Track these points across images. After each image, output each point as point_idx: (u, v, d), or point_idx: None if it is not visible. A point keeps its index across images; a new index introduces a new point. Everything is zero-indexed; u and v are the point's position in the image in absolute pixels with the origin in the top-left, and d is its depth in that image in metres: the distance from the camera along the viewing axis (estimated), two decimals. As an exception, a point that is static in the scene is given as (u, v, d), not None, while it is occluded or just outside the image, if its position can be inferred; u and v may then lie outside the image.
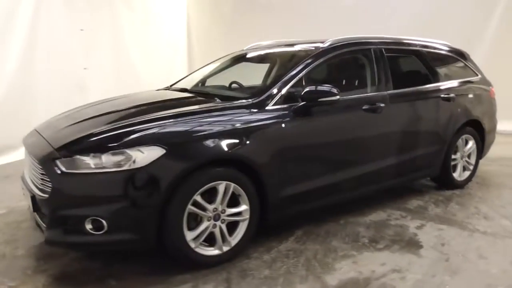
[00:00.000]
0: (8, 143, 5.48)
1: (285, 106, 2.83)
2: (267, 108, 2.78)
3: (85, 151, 2.36)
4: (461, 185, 4.18)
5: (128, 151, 2.32)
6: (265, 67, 3.89)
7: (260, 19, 8.52)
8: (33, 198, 2.53)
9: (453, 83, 4.05)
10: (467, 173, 4.25)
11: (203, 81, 3.92)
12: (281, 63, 3.57)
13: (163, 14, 8.54)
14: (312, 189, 2.99)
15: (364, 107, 3.21)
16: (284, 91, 2.87)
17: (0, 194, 4.09)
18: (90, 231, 2.35)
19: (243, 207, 2.66)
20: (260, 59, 3.96)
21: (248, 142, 2.63)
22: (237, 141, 2.60)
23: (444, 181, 4.10)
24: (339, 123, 3.11)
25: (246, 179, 2.64)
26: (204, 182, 2.48)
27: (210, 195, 2.54)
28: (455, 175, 4.12)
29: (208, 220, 2.55)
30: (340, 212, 3.47)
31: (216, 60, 4.12)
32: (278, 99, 2.83)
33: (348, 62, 3.47)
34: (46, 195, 2.40)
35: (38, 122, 5.75)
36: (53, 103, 5.98)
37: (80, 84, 6.42)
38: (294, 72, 2.98)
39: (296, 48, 3.58)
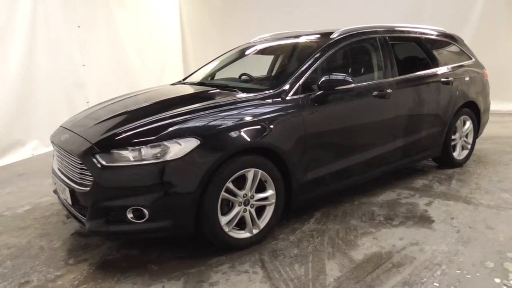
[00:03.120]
0: (11, 142, 5.54)
1: (303, 95, 3.00)
2: (287, 98, 2.94)
3: (124, 145, 2.49)
4: (460, 163, 4.44)
5: (166, 143, 2.46)
6: (274, 58, 4.04)
7: (253, 13, 8.63)
8: (72, 192, 2.65)
9: (450, 67, 4.27)
10: (465, 152, 4.50)
11: (213, 75, 4.06)
12: (292, 54, 3.72)
13: (156, 10, 8.58)
14: (331, 173, 3.19)
15: (374, 94, 3.40)
16: (301, 81, 3.03)
17: (20, 191, 4.18)
18: (132, 220, 2.50)
19: (270, 192, 2.84)
20: (269, 51, 4.11)
21: (273, 130, 2.79)
22: (263, 130, 2.76)
23: (445, 161, 4.34)
24: (352, 110, 3.29)
25: (272, 166, 2.81)
26: (235, 170, 2.64)
27: (239, 182, 2.70)
28: (455, 154, 4.37)
29: (239, 205, 2.72)
30: (353, 194, 3.68)
31: (225, 53, 4.24)
32: (296, 89, 3.00)
33: (356, 51, 3.64)
34: (87, 189, 2.53)
35: (38, 119, 5.88)
36: (53, 101, 6.07)
37: (79, 81, 6.49)
38: (309, 62, 3.14)
39: (304, 39, 3.74)
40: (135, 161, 2.46)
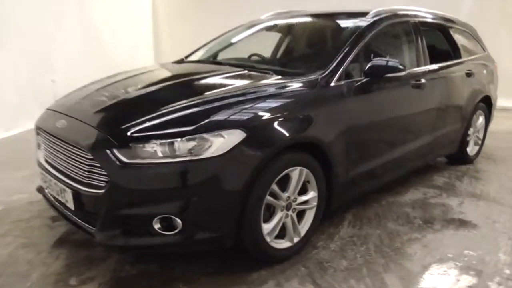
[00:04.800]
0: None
1: (347, 82, 2.60)
2: (331, 84, 2.53)
3: (151, 138, 1.97)
4: (472, 160, 4.26)
5: (206, 135, 1.97)
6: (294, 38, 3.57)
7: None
8: (76, 194, 2.10)
9: (471, 58, 4.04)
10: (476, 148, 4.33)
11: (216, 54, 3.55)
12: (322, 36, 3.29)
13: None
14: (371, 170, 2.85)
15: (412, 83, 3.07)
16: (344, 66, 2.63)
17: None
18: (160, 231, 2.00)
19: (312, 194, 2.44)
20: (287, 30, 3.63)
21: (318, 122, 2.38)
22: (310, 121, 2.34)
23: (458, 157, 4.13)
24: (393, 100, 2.96)
25: (316, 163, 2.40)
26: (281, 169, 2.21)
27: (280, 184, 2.27)
28: (468, 150, 4.17)
29: (281, 210, 2.29)
30: (377, 193, 3.35)
31: (232, 30, 3.73)
32: (340, 75, 2.59)
33: (390, 35, 3.28)
34: (100, 191, 1.99)
35: (6, 102, 5.04)
36: (21, 80, 5.27)
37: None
38: (350, 46, 2.73)
39: (332, 19, 3.33)
40: (164, 157, 1.95)
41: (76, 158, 2.11)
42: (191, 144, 1.95)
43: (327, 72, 2.55)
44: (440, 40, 3.84)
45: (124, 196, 1.98)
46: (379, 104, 2.82)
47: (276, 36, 3.56)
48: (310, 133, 2.34)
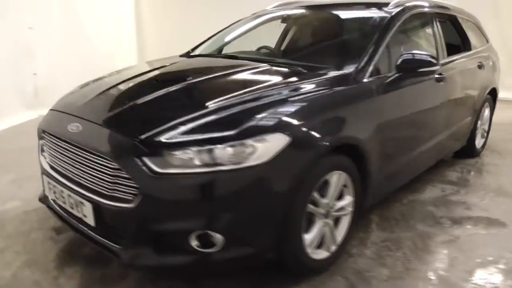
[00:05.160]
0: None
1: (379, 77, 2.44)
2: (364, 80, 2.36)
3: (186, 143, 1.74)
4: (479, 153, 4.21)
5: (251, 141, 1.75)
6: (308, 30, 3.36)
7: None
8: (97, 208, 1.85)
9: (479, 50, 3.96)
10: (482, 141, 4.29)
11: (222, 48, 3.31)
12: (342, 28, 3.09)
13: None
14: (399, 167, 2.72)
15: (436, 76, 2.94)
16: (375, 60, 2.46)
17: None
18: (197, 248, 1.78)
19: (348, 199, 2.27)
20: (299, 21, 3.40)
21: (356, 121, 2.21)
22: (349, 121, 2.16)
23: (467, 150, 4.06)
24: (421, 94, 2.82)
25: (353, 166, 2.23)
26: (322, 174, 2.03)
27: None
28: (476, 143, 4.12)
29: (320, 219, 2.11)
30: (396, 191, 3.22)
31: (239, 21, 3.49)
32: (372, 70, 2.42)
33: (411, 27, 3.12)
34: (129, 205, 1.75)
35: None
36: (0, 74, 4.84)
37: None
38: (377, 39, 2.56)
39: (348, 11, 3.14)
40: (203, 166, 1.72)
41: (97, 168, 1.85)
42: (234, 150, 1.73)
43: (360, 67, 2.38)
44: (451, 32, 3.73)
45: (157, 210, 1.75)
46: (409, 99, 2.68)
47: (290, 29, 3.33)
48: (350, 133, 2.16)
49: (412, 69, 2.49)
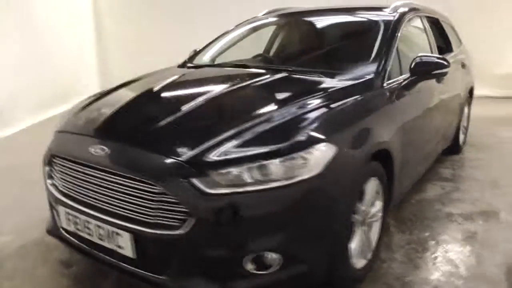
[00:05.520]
0: None
1: (394, 81, 2.46)
2: (384, 85, 2.36)
3: (236, 161, 1.64)
4: (461, 148, 4.38)
5: (303, 153, 1.67)
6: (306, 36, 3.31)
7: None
8: (138, 238, 1.69)
9: (459, 50, 4.13)
10: (463, 137, 4.46)
11: (217, 57, 3.21)
12: (345, 33, 3.09)
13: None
14: (413, 169, 2.74)
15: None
16: (390, 64, 2.47)
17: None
18: (253, 272, 1.67)
19: (379, 205, 2.25)
20: (302, 27, 3.35)
21: (385, 126, 2.20)
22: (381, 126, 2.15)
23: (451, 147, 4.20)
24: (428, 95, 2.88)
25: (383, 171, 2.22)
26: (363, 182, 1.99)
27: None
28: (460, 139, 4.28)
29: (358, 227, 2.07)
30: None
31: (234, 29, 3.39)
32: (388, 74, 2.43)
33: (409, 31, 3.18)
34: (177, 231, 1.61)
35: None
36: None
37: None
38: (389, 43, 2.58)
39: (346, 16, 3.16)
40: (255, 183, 1.62)
41: (134, 193, 1.69)
42: (286, 164, 1.65)
43: (379, 72, 2.38)
44: (437, 33, 3.86)
45: (209, 235, 1.62)
46: (419, 101, 2.73)
47: (290, 35, 3.27)
48: (382, 138, 2.14)
49: (427, 72, 2.53)
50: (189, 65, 3.08)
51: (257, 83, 2.31)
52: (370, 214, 2.17)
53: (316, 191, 1.70)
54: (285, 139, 1.69)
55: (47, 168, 2.14)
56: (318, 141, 1.73)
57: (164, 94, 2.35)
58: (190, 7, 7.70)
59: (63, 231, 2.08)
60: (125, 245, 1.73)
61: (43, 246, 2.54)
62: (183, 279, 1.68)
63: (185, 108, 2.00)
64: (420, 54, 2.53)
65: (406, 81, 2.51)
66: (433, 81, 2.95)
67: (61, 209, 1.97)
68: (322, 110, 1.91)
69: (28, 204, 3.19)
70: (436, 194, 3.29)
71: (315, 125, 1.80)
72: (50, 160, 2.09)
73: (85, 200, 1.88)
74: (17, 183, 3.58)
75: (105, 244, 1.81)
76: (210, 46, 3.29)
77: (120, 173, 1.71)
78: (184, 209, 1.60)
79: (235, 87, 2.23)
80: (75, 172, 1.91)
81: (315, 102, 1.98)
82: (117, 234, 1.74)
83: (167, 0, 7.86)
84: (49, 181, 2.12)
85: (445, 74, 2.60)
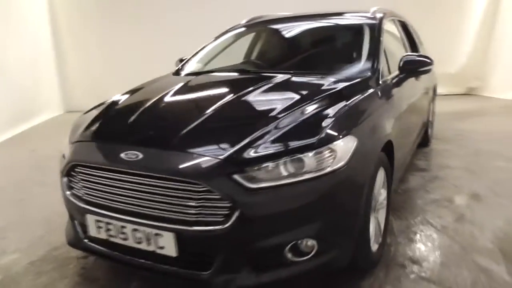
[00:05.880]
0: None
1: (388, 78, 2.68)
2: (380, 83, 2.57)
3: (274, 156, 1.74)
4: (429, 141, 4.73)
5: (332, 146, 1.81)
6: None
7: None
8: (181, 237, 1.75)
9: (423, 50, 4.48)
10: (430, 131, 4.82)
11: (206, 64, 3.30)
12: (335, 36, 3.28)
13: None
14: (404, 157, 2.99)
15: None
16: (381, 63, 2.68)
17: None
18: (293, 259, 1.78)
19: (384, 192, 2.43)
20: (292, 33, 3.50)
21: (387, 119, 2.40)
22: (385, 119, 2.35)
23: (423, 141, 4.53)
24: (410, 91, 3.12)
25: (387, 161, 2.41)
26: (376, 171, 2.16)
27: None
28: (429, 133, 4.62)
29: (372, 213, 2.24)
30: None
31: (219, 36, 3.50)
32: (382, 72, 2.64)
33: (388, 32, 3.43)
34: (222, 226, 1.68)
35: None
36: None
37: None
38: (377, 44, 2.80)
39: (329, 21, 3.36)
40: (291, 176, 1.74)
41: (175, 194, 1.74)
42: (318, 157, 1.77)
43: (374, 71, 2.58)
44: (406, 35, 4.17)
45: (252, 228, 1.71)
46: (406, 95, 2.96)
47: (281, 40, 3.40)
48: (388, 130, 2.33)
49: (414, 69, 2.76)
50: (184, 73, 3.14)
51: (268, 85, 2.42)
52: (379, 202, 2.34)
53: (344, 180, 1.84)
54: (314, 134, 1.82)
55: (65, 180, 2.12)
56: (343, 134, 1.88)
57: (179, 99, 2.41)
58: (154, 21, 7.72)
59: (87, 241, 2.08)
60: (166, 245, 1.77)
61: (54, 261, 2.49)
62: (227, 273, 1.75)
63: (208, 111, 2.07)
64: (407, 53, 2.78)
65: (396, 78, 2.73)
66: (413, 78, 3.22)
67: (90, 218, 1.97)
68: (339, 107, 2.05)
69: (23, 222, 3.10)
70: (418, 184, 3.56)
71: (337, 120, 1.94)
72: (69, 171, 2.08)
73: (117, 206, 1.89)
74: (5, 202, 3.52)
75: (143, 247, 1.84)
76: (199, 55, 3.37)
77: (161, 175, 1.76)
78: (227, 205, 1.68)
79: (249, 89, 2.33)
80: (104, 179, 1.92)
81: (329, 100, 2.13)
82: (157, 235, 1.78)
83: (125, 12, 7.82)
84: (68, 193, 2.10)
85: (429, 71, 2.84)
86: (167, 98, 2.39)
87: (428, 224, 2.79)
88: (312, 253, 1.80)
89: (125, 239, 1.88)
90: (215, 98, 2.26)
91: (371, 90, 2.39)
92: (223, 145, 1.79)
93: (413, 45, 4.21)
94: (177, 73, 3.18)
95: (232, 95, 2.27)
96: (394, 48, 3.41)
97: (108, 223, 1.91)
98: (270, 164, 1.73)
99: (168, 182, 1.75)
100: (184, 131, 1.92)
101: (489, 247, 2.49)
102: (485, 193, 3.28)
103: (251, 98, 2.26)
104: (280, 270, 1.79)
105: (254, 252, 1.75)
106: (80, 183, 2.03)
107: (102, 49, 7.95)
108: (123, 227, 1.87)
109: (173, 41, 7.58)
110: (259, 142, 1.79)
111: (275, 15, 3.69)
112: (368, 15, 3.17)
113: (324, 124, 1.89)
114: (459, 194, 3.28)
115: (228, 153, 1.74)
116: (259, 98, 2.29)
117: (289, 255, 1.78)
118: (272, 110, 2.02)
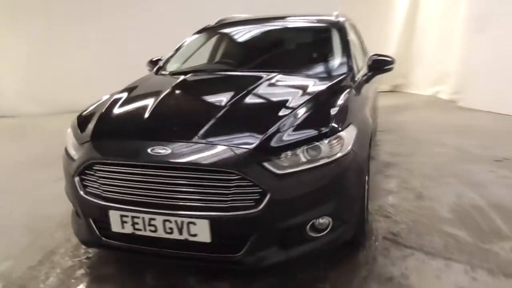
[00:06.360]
0: None
1: (361, 75, 3.02)
2: (356, 79, 2.88)
3: (295, 144, 1.97)
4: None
5: (341, 134, 2.07)
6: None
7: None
8: (215, 223, 1.90)
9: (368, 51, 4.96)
10: (376, 122, 5.34)
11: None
12: (307, 38, 3.57)
13: None
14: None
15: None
16: (354, 62, 3.02)
17: None
18: (313, 235, 2.02)
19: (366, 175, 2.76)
20: (263, 35, 3.70)
21: (368, 112, 2.74)
22: (366, 109, 2.68)
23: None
24: (373, 87, 3.50)
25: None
26: (369, 155, 2.48)
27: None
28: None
29: (364, 192, 2.56)
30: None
31: (191, 38, 3.62)
32: (355, 71, 2.96)
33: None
34: (254, 210, 1.87)
35: None
36: None
37: None
38: (347, 44, 3.15)
39: (296, 23, 3.65)
40: (309, 162, 1.97)
41: (208, 184, 1.88)
42: (331, 144, 2.02)
43: (350, 70, 2.90)
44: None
45: (281, 209, 1.91)
46: (370, 90, 3.34)
47: (258, 41, 3.59)
48: (371, 121, 2.66)
49: (380, 68, 3.14)
50: (166, 72, 3.23)
51: (268, 82, 2.63)
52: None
53: (350, 163, 2.10)
54: (325, 124, 2.07)
55: (77, 179, 2.14)
56: (347, 124, 2.15)
57: (186, 96, 2.55)
58: (92, 22, 7.45)
59: (103, 239, 2.13)
60: (200, 232, 1.90)
61: (55, 264, 2.46)
62: (259, 252, 1.93)
63: (224, 105, 2.25)
64: (373, 54, 3.13)
65: (366, 76, 3.08)
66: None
67: (113, 214, 2.02)
68: (336, 101, 2.32)
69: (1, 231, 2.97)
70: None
71: (340, 112, 2.21)
72: (83, 170, 2.11)
73: (144, 200, 1.97)
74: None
75: (174, 236, 1.95)
76: (176, 55, 3.46)
77: (196, 167, 1.89)
78: (258, 190, 1.87)
79: (253, 85, 2.52)
80: (128, 175, 1.99)
81: (326, 95, 2.41)
82: (191, 223, 1.90)
83: (60, 11, 7.45)
84: (82, 192, 2.12)
85: (392, 69, 3.24)
86: (173, 96, 2.50)
87: (396, 203, 3.19)
88: (328, 229, 2.05)
89: (154, 231, 1.97)
90: (225, 93, 2.42)
91: (352, 86, 2.70)
92: (249, 136, 1.98)
93: (363, 46, 4.67)
94: (157, 72, 3.25)
95: (239, 90, 2.44)
96: (354, 49, 3.79)
97: (134, 217, 1.99)
98: (292, 152, 1.95)
99: (201, 173, 1.89)
100: (208, 125, 2.07)
101: (450, 217, 2.94)
102: (434, 174, 3.79)
103: (260, 92, 2.46)
104: (303, 245, 2.02)
105: (281, 231, 1.95)
106: (99, 181, 2.07)
107: (35, 50, 7.50)
108: (152, 219, 1.96)
109: (113, 43, 7.44)
110: (281, 132, 2.00)
111: (245, 17, 3.88)
112: (333, 18, 3.50)
113: (331, 116, 2.15)
114: (413, 176, 3.75)
115: (257, 143, 1.93)
116: (267, 92, 2.50)
117: (310, 232, 2.01)
118: (283, 103, 2.24)
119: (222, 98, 2.34)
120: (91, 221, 2.16)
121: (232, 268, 2.13)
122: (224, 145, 1.94)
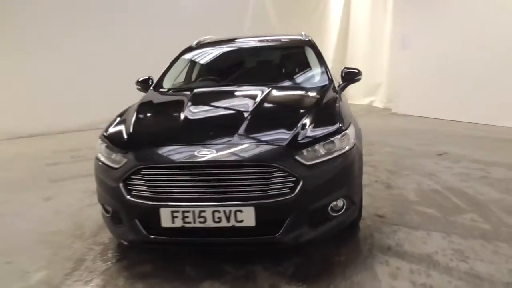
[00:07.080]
0: None
1: (339, 85, 3.56)
2: (336, 88, 3.41)
3: (316, 140, 2.41)
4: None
5: (348, 131, 2.55)
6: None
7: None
8: (259, 209, 2.26)
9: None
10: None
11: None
12: (286, 55, 4.06)
13: None
14: None
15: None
16: (330, 73, 3.56)
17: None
18: (333, 214, 2.46)
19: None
20: (247, 53, 4.12)
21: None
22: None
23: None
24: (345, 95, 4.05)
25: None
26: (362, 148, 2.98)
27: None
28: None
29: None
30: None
31: (176, 59, 3.94)
32: (333, 81, 3.50)
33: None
34: (290, 196, 2.26)
35: None
36: None
37: None
38: (322, 58, 3.69)
39: (272, 42, 4.15)
40: (326, 154, 2.42)
41: (252, 176, 2.24)
42: (342, 139, 2.49)
43: (330, 80, 3.43)
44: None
45: (310, 194, 2.32)
46: (347, 100, 3.87)
47: (236, 59, 4.00)
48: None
49: (351, 78, 3.69)
50: (163, 90, 3.52)
51: (270, 93, 3.04)
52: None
53: (354, 154, 2.58)
54: (334, 123, 2.54)
55: (121, 185, 2.37)
56: (349, 123, 2.64)
57: (207, 107, 2.89)
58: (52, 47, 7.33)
59: (150, 237, 2.38)
60: (246, 218, 2.24)
61: (91, 269, 2.60)
62: (294, 231, 2.31)
63: (247, 112, 2.66)
64: (345, 66, 3.70)
65: (341, 85, 3.62)
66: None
67: (164, 211, 2.27)
68: (335, 106, 2.82)
69: (20, 246, 3.02)
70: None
71: (342, 114, 2.70)
72: (128, 176, 2.35)
73: (193, 196, 2.27)
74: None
75: (222, 224, 2.26)
76: (169, 74, 3.76)
77: (239, 164, 2.25)
78: (292, 179, 2.27)
79: (264, 94, 2.95)
80: (176, 176, 2.29)
81: (326, 99, 2.89)
82: (238, 211, 2.23)
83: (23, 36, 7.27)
84: (128, 196, 2.36)
85: (360, 79, 3.82)
86: (196, 106, 2.84)
87: (373, 193, 3.74)
88: (343, 209, 2.50)
89: (203, 221, 2.27)
90: (242, 102, 2.84)
91: (337, 94, 3.22)
92: (280, 134, 2.40)
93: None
94: (155, 89, 3.53)
95: (252, 99, 2.87)
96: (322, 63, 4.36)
97: (185, 212, 2.27)
98: (312, 147, 2.38)
99: (245, 168, 2.25)
100: (241, 127, 2.45)
101: (418, 200, 3.55)
102: (394, 169, 4.44)
103: (271, 100, 2.92)
104: (327, 224, 2.44)
105: (310, 213, 2.35)
106: (146, 184, 2.32)
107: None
108: (202, 211, 2.26)
109: (73, 67, 7.44)
110: (303, 131, 2.43)
111: (216, 38, 4.28)
112: (303, 38, 4.04)
113: (337, 117, 2.64)
114: (379, 172, 4.37)
115: (288, 140, 2.34)
116: (277, 100, 2.95)
117: (331, 212, 2.44)
118: (296, 107, 2.72)
119: (244, 105, 2.75)
120: (137, 221, 2.39)
121: (273, 247, 2.48)
122: (262, 143, 2.32)
